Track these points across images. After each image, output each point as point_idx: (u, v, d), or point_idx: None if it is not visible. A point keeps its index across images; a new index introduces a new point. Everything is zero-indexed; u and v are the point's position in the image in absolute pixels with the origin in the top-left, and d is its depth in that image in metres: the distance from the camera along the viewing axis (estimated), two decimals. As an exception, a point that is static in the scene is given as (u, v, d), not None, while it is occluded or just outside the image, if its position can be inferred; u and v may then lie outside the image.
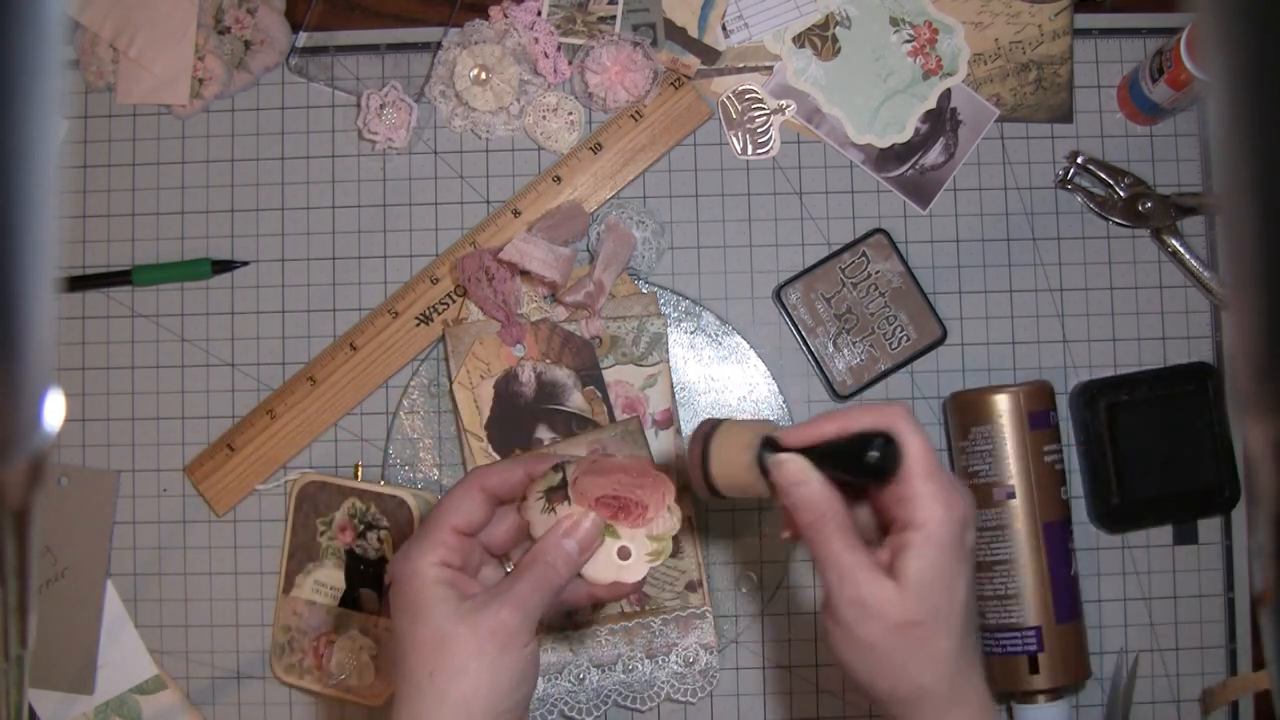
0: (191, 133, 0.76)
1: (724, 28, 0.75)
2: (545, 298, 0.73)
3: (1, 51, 0.22)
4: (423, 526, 0.51)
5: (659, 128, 0.74)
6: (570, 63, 0.75)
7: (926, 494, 0.48)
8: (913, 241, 0.75)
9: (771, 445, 0.50)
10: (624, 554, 0.52)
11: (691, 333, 0.74)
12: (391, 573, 0.50)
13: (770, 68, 0.75)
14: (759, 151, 0.75)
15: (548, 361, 0.72)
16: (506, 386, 0.72)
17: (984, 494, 0.69)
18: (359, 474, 0.73)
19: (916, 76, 0.75)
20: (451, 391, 0.72)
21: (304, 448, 0.74)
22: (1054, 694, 0.69)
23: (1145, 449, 0.71)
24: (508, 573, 0.53)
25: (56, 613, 0.73)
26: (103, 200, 0.76)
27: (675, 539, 0.70)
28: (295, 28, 0.76)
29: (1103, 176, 0.74)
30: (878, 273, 0.73)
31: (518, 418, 0.71)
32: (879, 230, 0.74)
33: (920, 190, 0.75)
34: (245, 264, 0.75)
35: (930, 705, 0.50)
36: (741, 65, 0.75)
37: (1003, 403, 0.69)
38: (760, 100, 0.75)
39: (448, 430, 0.73)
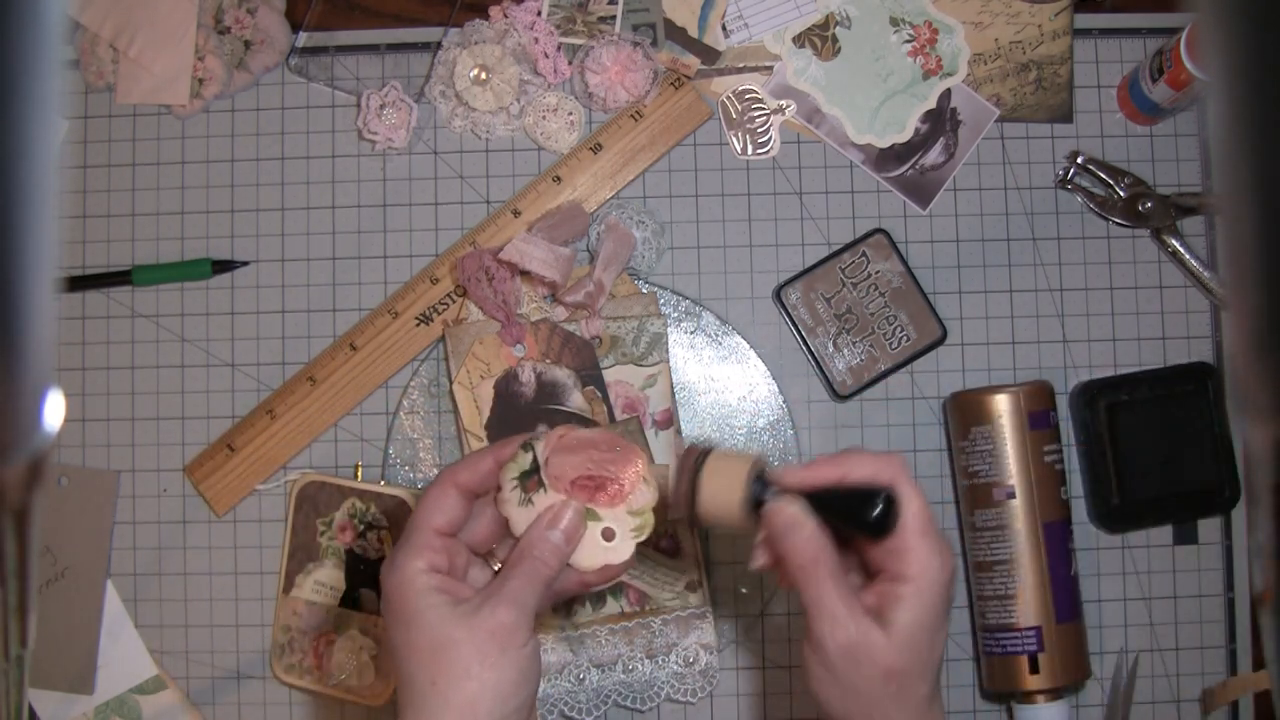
0: (191, 133, 0.76)
1: (724, 28, 0.75)
2: (545, 298, 0.73)
3: (1, 51, 0.22)
4: (405, 534, 0.50)
5: (659, 128, 0.74)
6: (570, 63, 0.75)
7: (922, 550, 0.50)
8: (913, 241, 0.75)
9: (761, 483, 0.50)
10: (608, 535, 0.52)
11: (691, 333, 0.74)
12: (381, 583, 0.50)
13: (770, 68, 0.75)
14: (759, 151, 0.75)
15: (548, 361, 0.72)
16: (506, 386, 0.72)
17: (984, 494, 0.69)
18: (359, 474, 0.73)
19: (916, 76, 0.75)
20: (451, 391, 0.72)
21: (304, 448, 0.74)
22: (1054, 694, 0.69)
23: (1145, 449, 0.71)
24: (496, 571, 0.53)
25: (56, 613, 0.73)
26: (103, 200, 0.76)
27: (675, 540, 0.70)
28: (295, 28, 0.76)
29: (1103, 176, 0.74)
30: (878, 273, 0.73)
31: (518, 418, 0.71)
32: (879, 230, 0.74)
33: (920, 190, 0.75)
34: (245, 264, 0.75)
35: None
36: (741, 65, 0.75)
37: (1003, 403, 0.69)
38: (760, 100, 0.75)
39: (448, 430, 0.73)
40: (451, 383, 0.72)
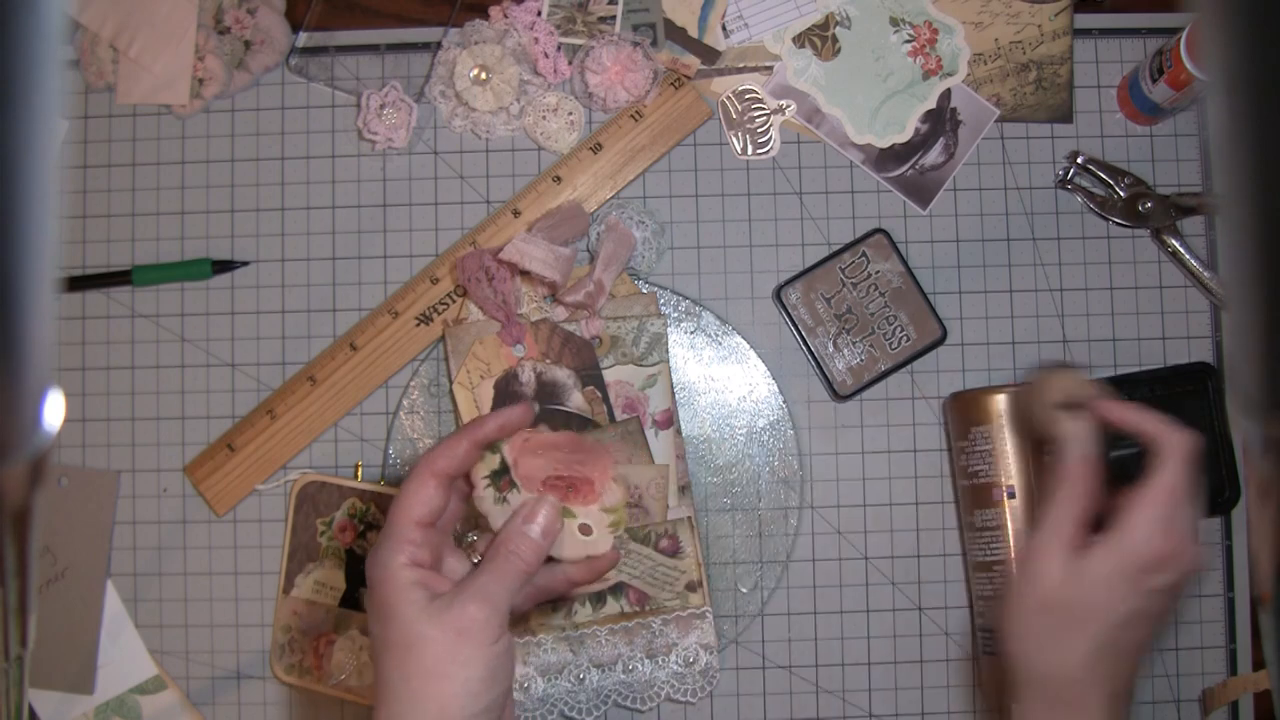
0: (191, 133, 0.76)
1: (724, 28, 0.75)
2: (545, 298, 0.73)
3: (1, 51, 0.22)
4: (387, 526, 0.51)
5: (659, 128, 0.74)
6: (570, 63, 0.75)
7: (1144, 516, 0.52)
8: (913, 241, 0.75)
9: (1077, 404, 0.57)
10: (585, 531, 0.52)
11: (691, 333, 0.74)
12: (366, 575, 0.50)
13: (770, 68, 0.75)
14: (759, 151, 0.75)
15: (548, 361, 0.72)
16: (506, 386, 0.72)
17: (984, 494, 0.69)
18: (359, 474, 0.73)
19: (916, 76, 0.75)
20: (451, 391, 0.72)
21: (304, 448, 0.74)
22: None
23: (1145, 449, 0.71)
24: (474, 564, 0.53)
25: (56, 613, 0.73)
26: (103, 200, 0.76)
27: (674, 537, 0.70)
28: (295, 28, 0.76)
29: (1103, 176, 0.74)
30: (878, 273, 0.73)
31: (518, 418, 0.71)
32: (879, 230, 0.74)
33: (920, 190, 0.75)
34: (245, 264, 0.75)
35: (1041, 695, 0.53)
36: (741, 65, 0.75)
37: (1003, 403, 0.69)
38: (760, 100, 0.75)
39: (448, 430, 0.73)
40: (451, 383, 0.72)
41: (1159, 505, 0.52)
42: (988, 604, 0.69)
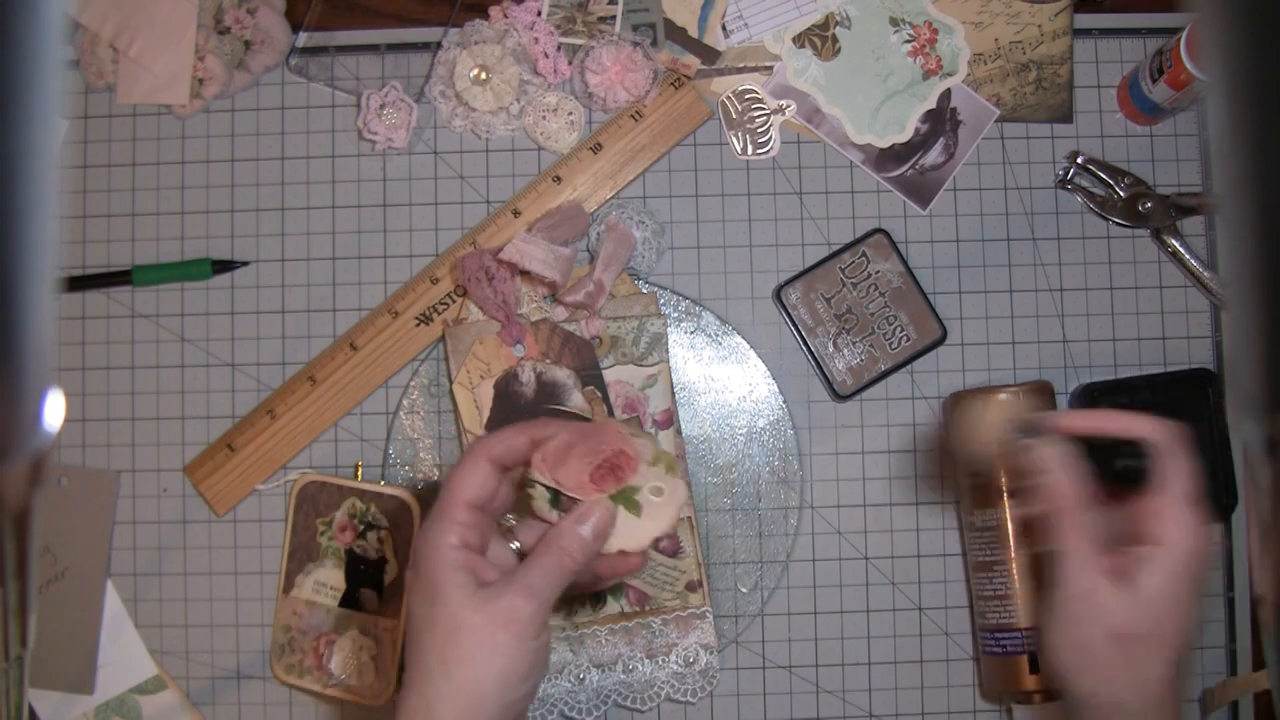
0: (191, 133, 0.76)
1: (724, 28, 0.75)
2: (545, 298, 0.73)
3: (1, 51, 0.22)
4: (438, 504, 0.51)
5: (659, 128, 0.74)
6: (570, 63, 0.75)
7: (1179, 516, 0.50)
8: (913, 241, 0.75)
9: (1036, 428, 0.53)
10: (657, 492, 0.53)
11: (691, 333, 0.74)
12: (413, 553, 0.50)
13: (770, 68, 0.75)
14: (759, 151, 0.75)
15: (548, 361, 0.72)
16: (506, 386, 0.72)
17: (984, 494, 0.69)
18: (359, 474, 0.73)
19: (916, 76, 0.75)
20: (451, 391, 0.72)
21: (304, 448, 0.74)
22: (1054, 694, 0.68)
23: (1144, 453, 0.71)
24: (511, 548, 0.53)
25: (56, 613, 0.73)
26: (103, 200, 0.76)
27: (674, 537, 0.70)
28: (295, 28, 0.76)
29: (1103, 176, 0.74)
30: (878, 273, 0.73)
31: (518, 418, 0.71)
32: (879, 230, 0.74)
33: (920, 190, 0.75)
34: (245, 264, 0.75)
35: None
36: (741, 65, 0.75)
37: (1002, 403, 0.69)
38: (760, 100, 0.75)
39: (448, 430, 0.73)
40: (451, 383, 0.72)
41: (1183, 506, 0.50)
42: (985, 604, 0.69)
